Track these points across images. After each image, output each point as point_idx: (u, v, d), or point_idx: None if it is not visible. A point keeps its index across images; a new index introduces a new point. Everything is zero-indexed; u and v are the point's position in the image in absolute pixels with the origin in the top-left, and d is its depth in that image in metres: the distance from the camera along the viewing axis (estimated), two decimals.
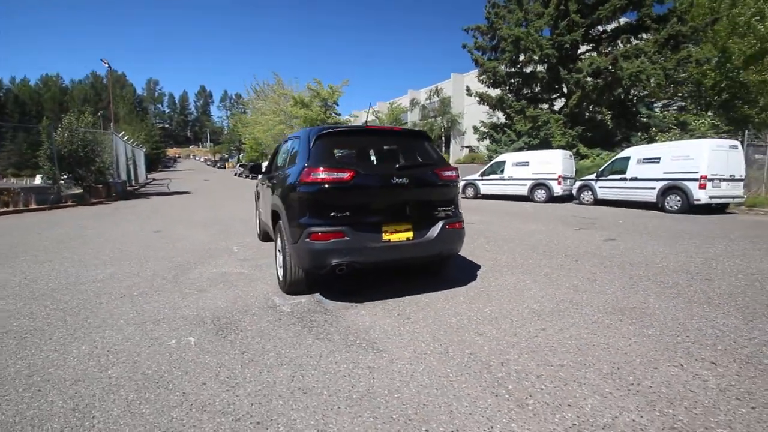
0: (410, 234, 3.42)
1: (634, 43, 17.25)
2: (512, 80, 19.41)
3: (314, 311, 3.34)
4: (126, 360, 2.47)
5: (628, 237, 6.81)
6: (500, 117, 21.75)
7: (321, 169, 3.14)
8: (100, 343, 2.72)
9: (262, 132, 38.14)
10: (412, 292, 3.81)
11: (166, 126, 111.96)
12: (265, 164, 5.87)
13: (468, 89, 20.58)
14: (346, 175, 3.16)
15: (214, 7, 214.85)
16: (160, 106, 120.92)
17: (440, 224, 3.55)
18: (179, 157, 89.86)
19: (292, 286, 3.65)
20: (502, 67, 18.91)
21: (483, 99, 19.94)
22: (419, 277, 4.28)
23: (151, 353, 2.57)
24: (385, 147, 3.81)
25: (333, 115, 31.45)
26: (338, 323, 3.08)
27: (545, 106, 20.01)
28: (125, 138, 20.85)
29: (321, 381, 2.24)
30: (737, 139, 11.98)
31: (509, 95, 19.42)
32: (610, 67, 16.38)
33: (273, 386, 2.18)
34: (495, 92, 19.98)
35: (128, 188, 19.12)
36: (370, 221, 3.29)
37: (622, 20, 18.40)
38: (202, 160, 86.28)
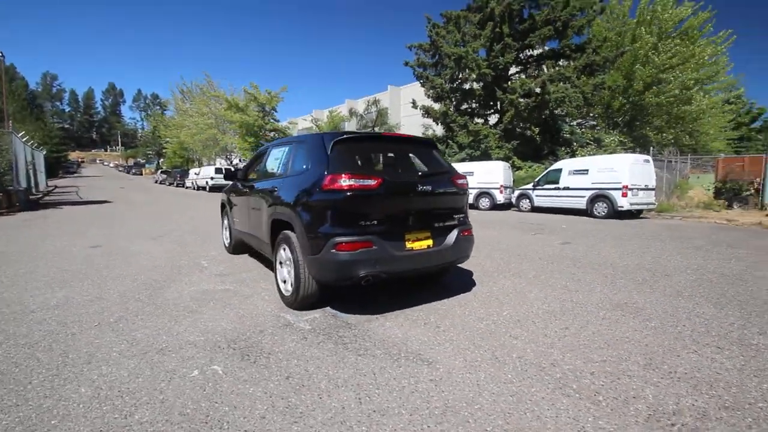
0: (430, 242, 3.39)
1: (556, 68, 19.30)
2: (453, 96, 20.49)
3: (337, 326, 3.13)
4: (150, 400, 2.07)
5: (580, 240, 7.52)
6: (435, 129, 22.82)
7: (346, 175, 2.98)
8: (103, 382, 2.25)
9: (189, 136, 35.33)
10: (424, 300, 3.77)
11: (67, 126, 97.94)
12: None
13: (414, 102, 21.23)
14: (373, 182, 3.04)
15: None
16: (59, 104, 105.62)
17: (456, 231, 3.59)
18: (83, 161, 79.12)
19: (304, 301, 3.39)
20: (445, 83, 19.87)
21: (428, 112, 20.74)
22: (423, 284, 4.26)
23: (177, 389, 2.19)
24: (399, 154, 3.75)
25: (271, 121, 30.34)
26: (370, 337, 2.93)
27: (481, 120, 21.44)
28: (24, 138, 17.81)
29: (392, 400, 2.10)
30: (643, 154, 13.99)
31: (452, 110, 20.44)
32: (538, 90, 18.10)
33: (344, 412, 1.99)
34: (437, 106, 20.90)
35: (31, 197, 16.30)
36: (395, 230, 3.20)
37: (546, 47, 20.51)
38: (112, 165, 77.06)
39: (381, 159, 3.70)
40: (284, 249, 3.57)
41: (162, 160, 56.03)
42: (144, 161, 67.88)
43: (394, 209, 3.20)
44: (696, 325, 3.19)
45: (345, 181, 2.96)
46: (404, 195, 3.24)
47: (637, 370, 2.45)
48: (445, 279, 4.52)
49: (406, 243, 3.24)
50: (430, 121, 22.52)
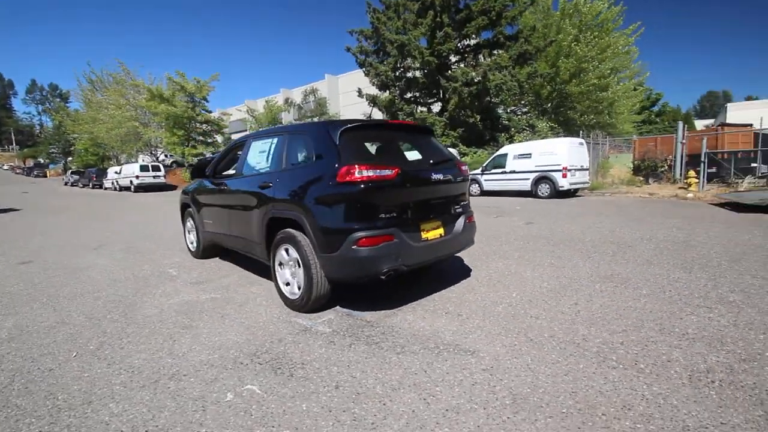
0: (442, 230, 3.35)
1: (492, 58, 20.19)
2: (397, 84, 20.55)
3: (358, 326, 2.98)
4: None
5: (539, 220, 8.01)
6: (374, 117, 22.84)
7: (363, 166, 2.80)
8: (121, 423, 1.89)
9: (104, 130, 31.44)
10: (430, 290, 3.74)
11: None
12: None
13: (359, 91, 20.94)
14: (391, 172, 2.89)
15: None
16: None
17: (462, 218, 3.58)
18: None
19: (316, 303, 3.17)
20: (389, 71, 19.83)
21: (375, 101, 20.60)
22: (421, 274, 4.22)
23: (218, 418, 1.91)
24: (402, 142, 3.59)
25: (202, 112, 28.11)
26: (399, 333, 2.82)
27: (424, 109, 21.84)
28: None
29: (458, 396, 2.03)
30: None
31: (398, 98, 20.51)
32: (478, 79, 18.84)
33: (416, 415, 1.89)
34: (384, 95, 20.83)
35: None
36: (411, 220, 3.10)
37: (481, 37, 21.32)
38: (6, 167, 66.12)
39: (388, 147, 3.52)
40: (286, 249, 3.30)
41: (70, 159, 49.44)
42: (47, 161, 59.24)
43: (411, 199, 3.09)
44: (679, 290, 3.54)
45: (362, 172, 2.78)
46: (419, 184, 3.14)
47: (656, 335, 2.65)
48: (440, 266, 4.53)
49: (422, 233, 3.16)
50: (370, 110, 22.36)
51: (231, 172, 5.18)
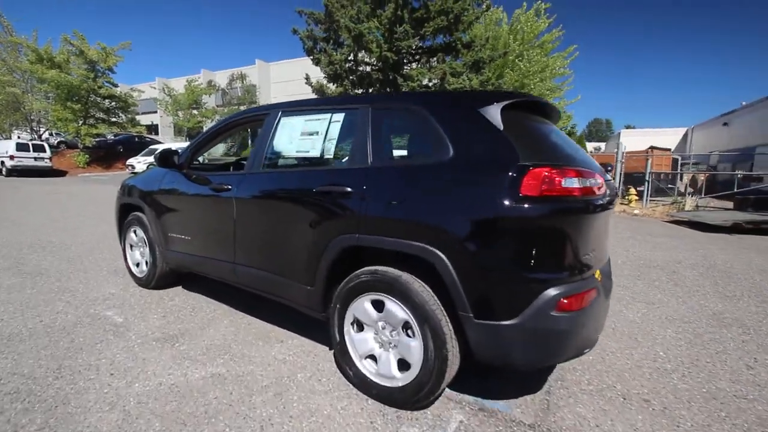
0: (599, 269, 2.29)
1: (447, 62, 19.98)
2: (350, 77, 19.17)
3: None
4: None
5: None
6: None
7: (572, 171, 1.61)
8: None
9: None
10: None
11: None
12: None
13: (307, 77, 19.11)
14: (598, 182, 1.75)
15: None
16: None
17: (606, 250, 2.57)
18: None
19: (435, 390, 1.87)
20: (343, 61, 18.39)
21: (323, 92, 18.92)
22: None
23: None
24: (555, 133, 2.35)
25: (106, 84, 23.41)
26: None
27: None
28: None
29: None
30: None
31: (351, 92, 19.12)
32: (434, 81, 18.43)
33: None
34: (333, 87, 19.30)
35: None
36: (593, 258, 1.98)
37: (436, 40, 21.03)
38: None
39: (543, 139, 2.29)
40: (376, 302, 1.94)
41: None
42: None
43: (602, 225, 1.98)
44: None
45: (571, 181, 1.59)
46: (610, 199, 2.02)
47: None
48: None
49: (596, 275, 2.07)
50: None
51: (203, 159, 3.53)
